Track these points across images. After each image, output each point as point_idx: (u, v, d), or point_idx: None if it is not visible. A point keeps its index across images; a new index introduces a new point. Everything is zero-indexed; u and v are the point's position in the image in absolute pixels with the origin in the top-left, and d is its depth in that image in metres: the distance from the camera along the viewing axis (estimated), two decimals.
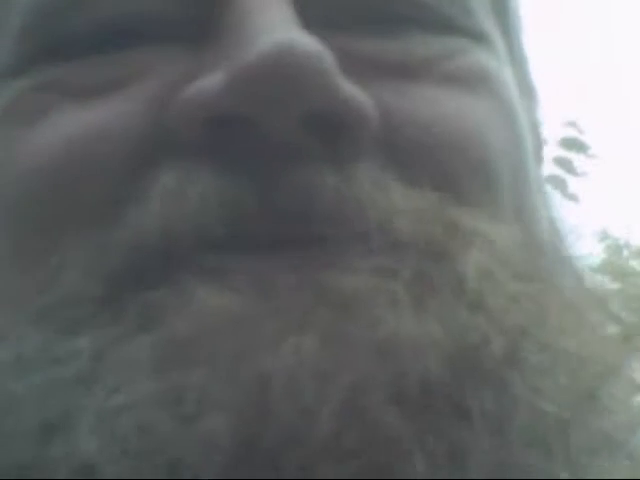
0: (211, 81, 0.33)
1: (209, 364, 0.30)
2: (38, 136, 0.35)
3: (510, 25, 0.43)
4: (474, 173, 0.35)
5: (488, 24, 0.40)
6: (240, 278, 0.31)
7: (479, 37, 0.39)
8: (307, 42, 0.32)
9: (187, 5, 0.36)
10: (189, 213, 0.32)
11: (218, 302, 0.31)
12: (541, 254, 0.36)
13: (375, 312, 0.31)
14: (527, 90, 0.43)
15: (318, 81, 0.31)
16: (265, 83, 0.31)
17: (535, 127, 0.44)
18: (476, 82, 0.37)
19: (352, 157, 0.33)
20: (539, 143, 0.45)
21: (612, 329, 0.37)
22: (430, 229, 0.33)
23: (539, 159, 0.44)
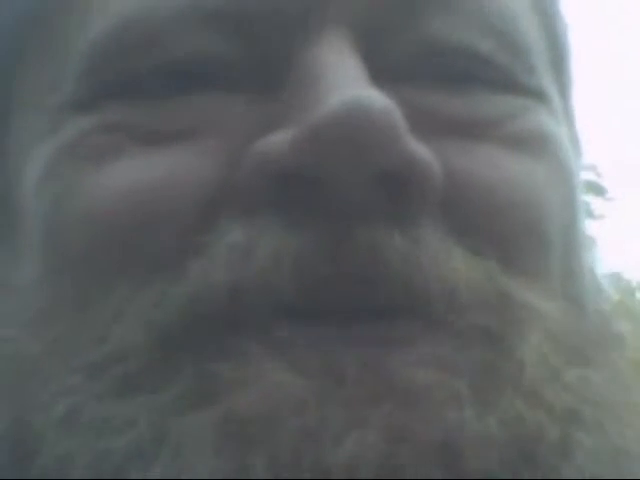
0: (281, 138, 0.32)
1: (273, 450, 0.30)
2: (104, 178, 0.34)
3: (566, 80, 0.43)
4: (531, 239, 0.35)
5: (547, 81, 0.40)
6: (308, 357, 0.31)
7: (540, 96, 0.39)
8: (377, 101, 0.31)
9: (256, 54, 0.35)
10: (258, 271, 0.31)
11: (286, 383, 0.30)
12: (588, 323, 0.36)
13: (439, 409, 0.30)
14: (577, 145, 0.43)
15: (387, 142, 0.31)
16: (334, 143, 0.31)
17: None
18: (537, 145, 0.37)
19: (416, 216, 0.33)
20: None
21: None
22: (490, 305, 0.33)
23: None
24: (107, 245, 0.34)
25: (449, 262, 0.32)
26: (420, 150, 0.32)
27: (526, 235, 0.35)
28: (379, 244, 0.32)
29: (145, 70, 0.35)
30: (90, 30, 0.37)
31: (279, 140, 0.32)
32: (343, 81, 0.33)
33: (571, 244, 0.37)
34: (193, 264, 0.32)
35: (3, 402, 0.34)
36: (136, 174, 0.34)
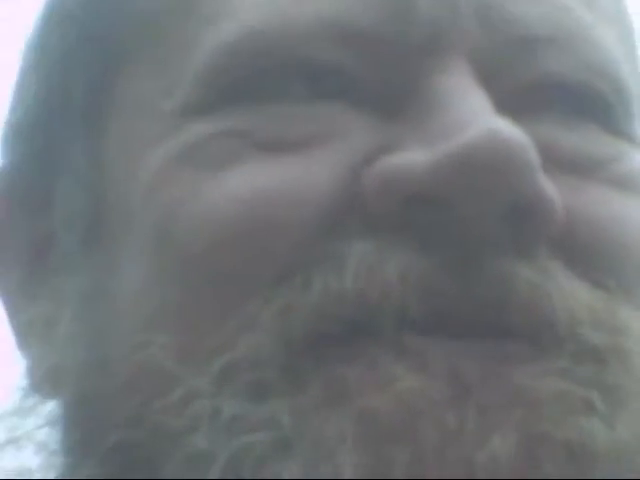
0: (415, 159, 0.32)
1: (416, 446, 0.30)
2: (226, 185, 0.34)
3: None
4: (638, 274, 0.36)
5: (638, 122, 0.41)
6: (436, 363, 0.31)
7: (635, 142, 0.40)
8: (517, 134, 0.32)
9: (380, 75, 0.36)
10: (386, 286, 0.32)
11: (419, 386, 0.31)
12: None
13: (571, 416, 0.32)
14: None
15: (525, 176, 0.32)
16: (475, 171, 0.31)
17: None
18: (637, 187, 0.38)
19: (539, 250, 0.34)
20: None
21: None
22: (610, 332, 0.34)
23: None
24: (231, 253, 0.34)
25: (574, 294, 0.33)
26: (550, 187, 0.33)
27: (634, 270, 0.36)
28: (509, 273, 0.32)
29: (271, 77, 0.35)
30: (217, 35, 0.37)
31: (412, 161, 0.32)
32: (479, 111, 0.33)
33: None
34: (319, 274, 0.33)
35: (126, 404, 0.34)
36: (258, 181, 0.34)
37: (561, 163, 0.35)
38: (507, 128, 0.32)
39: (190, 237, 0.34)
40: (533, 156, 0.32)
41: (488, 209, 0.32)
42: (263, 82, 0.35)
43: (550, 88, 0.37)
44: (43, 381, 0.38)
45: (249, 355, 0.32)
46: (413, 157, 0.32)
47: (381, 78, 0.35)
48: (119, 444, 0.34)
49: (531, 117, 0.35)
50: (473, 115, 0.33)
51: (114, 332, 0.35)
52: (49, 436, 0.38)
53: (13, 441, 0.38)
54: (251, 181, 0.34)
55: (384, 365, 0.31)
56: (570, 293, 0.33)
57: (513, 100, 0.35)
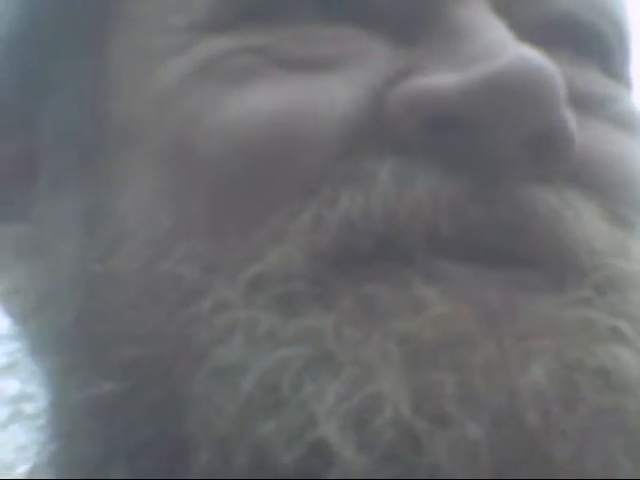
0: (446, 80, 0.32)
1: (459, 369, 0.30)
2: (248, 99, 0.34)
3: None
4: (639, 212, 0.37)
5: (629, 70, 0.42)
6: (466, 290, 0.32)
7: (629, 84, 0.41)
8: (547, 62, 0.32)
9: (399, 2, 0.36)
10: (416, 205, 0.32)
11: (453, 310, 0.31)
12: None
13: (603, 343, 0.32)
14: None
15: (553, 104, 0.32)
16: (505, 96, 0.31)
17: None
18: (633, 126, 0.38)
19: (556, 177, 0.34)
20: None
21: None
22: (631, 264, 0.34)
23: None
24: (256, 165, 0.33)
25: (593, 223, 0.34)
26: (572, 119, 0.33)
27: (637, 206, 0.36)
28: (531, 198, 0.33)
29: None
30: None
31: (445, 82, 0.32)
32: (506, 39, 0.33)
33: None
34: (347, 190, 0.32)
35: (144, 317, 0.33)
36: (281, 96, 0.34)
37: (572, 99, 0.35)
38: (537, 57, 0.32)
39: (213, 149, 0.33)
40: (562, 86, 0.32)
41: (513, 135, 0.32)
42: (282, 3, 0.35)
43: (559, 25, 0.37)
44: (37, 305, 0.36)
45: (279, 267, 0.32)
46: (443, 78, 0.32)
47: (399, 4, 0.35)
48: (136, 360, 0.33)
49: (546, 49, 0.35)
50: (502, 42, 0.33)
51: (124, 248, 0.34)
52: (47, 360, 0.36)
53: (12, 366, 0.37)
54: (274, 96, 0.33)
55: (416, 288, 0.31)
56: (589, 221, 0.34)
57: (525, 35, 0.35)
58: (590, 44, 0.38)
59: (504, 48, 0.32)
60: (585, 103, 0.37)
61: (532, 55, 0.32)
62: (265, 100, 0.33)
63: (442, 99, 0.32)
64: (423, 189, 0.32)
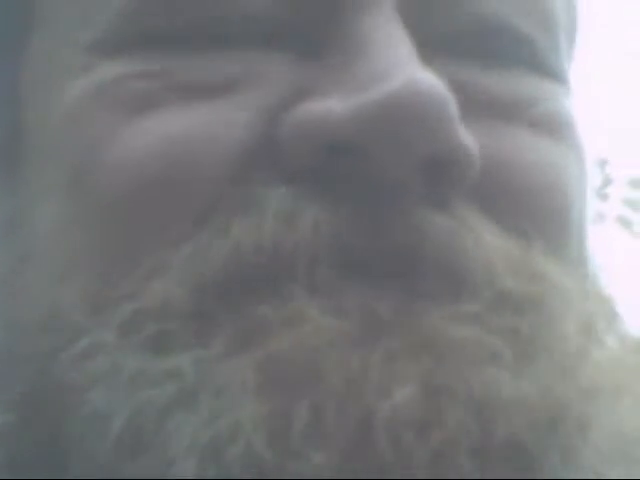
0: (335, 106, 0.32)
1: (317, 394, 0.30)
2: (144, 128, 0.34)
3: (574, 50, 0.44)
4: (556, 221, 0.36)
5: (566, 59, 0.40)
6: (349, 302, 0.31)
7: (563, 80, 0.40)
8: (437, 85, 0.32)
9: (302, 16, 0.35)
10: (302, 237, 0.32)
11: (328, 324, 0.31)
12: (605, 304, 0.37)
13: (476, 367, 0.31)
14: None
15: (445, 127, 0.32)
16: (395, 121, 0.32)
17: None
18: (563, 130, 0.38)
19: (456, 199, 0.34)
20: None
21: None
22: (525, 282, 0.34)
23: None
24: (146, 196, 0.33)
25: (491, 241, 0.33)
26: (468, 138, 0.33)
27: (552, 218, 0.36)
28: (422, 221, 0.33)
29: (186, 19, 0.35)
30: None
31: (332, 108, 0.32)
32: (401, 59, 0.33)
33: (583, 229, 0.38)
34: (237, 220, 0.32)
35: (29, 354, 0.33)
36: (173, 127, 0.34)
37: (482, 106, 0.35)
38: (428, 80, 0.32)
39: (105, 182, 0.34)
40: (452, 109, 0.32)
41: (405, 160, 0.32)
42: (179, 26, 0.35)
43: (476, 29, 0.37)
44: None
45: (156, 303, 0.32)
46: (332, 104, 0.32)
47: (302, 20, 0.35)
48: (27, 390, 0.33)
49: (454, 59, 0.35)
50: (395, 64, 0.33)
51: (28, 270, 0.35)
52: None
53: None
54: (166, 126, 0.34)
55: (296, 304, 0.31)
56: (486, 241, 0.33)
57: (437, 40, 0.35)
58: (507, 44, 0.37)
59: (395, 71, 0.32)
60: (501, 109, 0.36)
61: (421, 78, 0.32)
62: (157, 131, 0.34)
63: (332, 126, 0.32)
64: (307, 219, 0.32)
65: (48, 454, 0.33)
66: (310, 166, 0.33)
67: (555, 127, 0.38)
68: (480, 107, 0.35)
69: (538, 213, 0.36)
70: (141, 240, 0.33)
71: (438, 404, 0.30)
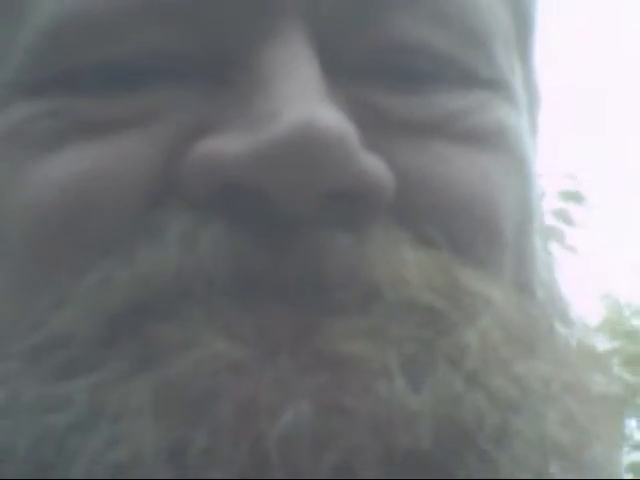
0: (230, 145, 0.32)
1: (212, 419, 0.30)
2: (47, 168, 0.34)
3: (529, 48, 0.42)
4: (483, 233, 0.35)
5: (509, 65, 0.38)
6: (243, 323, 0.31)
7: (499, 86, 0.38)
8: (331, 122, 0.31)
9: (208, 49, 0.35)
10: (199, 259, 0.32)
11: (222, 347, 0.30)
12: (541, 317, 0.36)
13: (368, 380, 0.31)
14: (535, 129, 0.42)
15: (340, 164, 0.31)
16: (285, 162, 0.31)
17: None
18: (494, 140, 0.36)
19: (365, 221, 0.33)
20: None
21: (613, 389, 0.37)
22: (436, 292, 0.33)
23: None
24: (48, 232, 0.33)
25: (397, 253, 0.33)
26: (373, 165, 0.32)
27: (478, 230, 0.35)
28: (323, 242, 0.32)
29: (92, 62, 0.35)
30: (38, 13, 0.36)
31: (227, 147, 0.32)
32: (297, 92, 0.32)
33: (525, 238, 0.37)
34: (139, 250, 0.32)
35: None
36: (75, 165, 0.34)
37: (401, 127, 0.34)
38: (320, 117, 0.31)
39: (10, 219, 0.34)
40: (350, 143, 0.31)
41: (300, 198, 0.31)
42: (81, 68, 0.34)
43: (394, 52, 0.35)
44: None
45: (60, 332, 0.32)
46: (227, 143, 0.32)
47: (209, 55, 0.34)
48: None
49: (368, 81, 0.34)
50: (288, 100, 0.32)
51: None
52: None
53: None
54: (69, 164, 0.34)
55: (191, 327, 0.31)
56: (397, 255, 0.32)
57: (353, 65, 0.34)
58: (426, 64, 0.35)
59: (288, 109, 0.31)
60: (420, 125, 0.35)
61: (312, 117, 0.31)
62: (59, 171, 0.34)
63: (227, 166, 0.32)
64: (205, 241, 0.32)
65: None
66: (209, 199, 0.33)
67: (483, 138, 0.36)
68: (395, 127, 0.34)
69: (461, 225, 0.34)
70: (46, 273, 0.33)
71: (330, 422, 0.30)
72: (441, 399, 0.30)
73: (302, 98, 0.32)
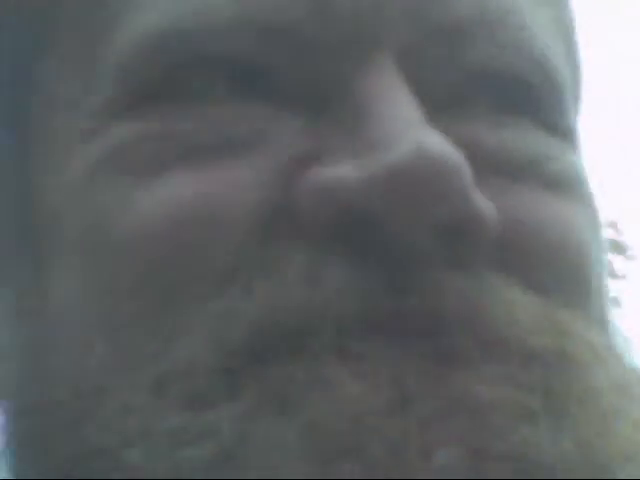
0: (348, 174, 0.32)
1: (362, 461, 0.30)
2: (154, 195, 0.33)
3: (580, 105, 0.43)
4: (574, 278, 0.36)
5: (573, 117, 0.40)
6: (377, 367, 0.31)
7: (570, 136, 0.39)
8: (448, 150, 0.31)
9: (306, 73, 0.35)
10: (325, 299, 0.32)
11: (361, 391, 0.31)
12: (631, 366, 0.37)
13: (513, 426, 0.31)
14: None
15: (458, 195, 0.32)
16: (406, 189, 0.31)
17: None
18: (573, 188, 0.37)
19: (473, 261, 0.33)
20: None
21: None
22: (555, 337, 0.33)
23: None
24: (166, 263, 0.33)
25: (514, 301, 0.33)
26: (483, 204, 0.33)
27: (571, 275, 0.35)
28: (442, 283, 0.32)
29: (192, 75, 0.34)
30: (132, 28, 0.35)
31: (344, 175, 0.32)
32: (408, 122, 0.32)
33: (603, 285, 0.38)
34: (259, 282, 0.32)
35: (64, 419, 0.33)
36: (186, 192, 0.33)
37: (492, 164, 0.34)
38: (438, 144, 0.31)
39: (122, 249, 0.33)
40: (466, 175, 0.31)
41: (418, 227, 0.31)
42: (184, 80, 0.34)
43: (480, 80, 0.36)
44: None
45: (183, 363, 0.32)
46: (345, 171, 0.32)
47: (307, 78, 0.35)
48: (60, 459, 0.33)
49: (461, 113, 0.35)
50: (404, 127, 0.32)
51: (51, 346, 0.35)
52: None
53: None
54: (179, 191, 0.33)
55: (326, 369, 0.31)
56: (509, 300, 0.33)
57: (443, 96, 0.35)
58: (516, 95, 0.37)
59: (401, 135, 0.31)
60: (511, 167, 0.36)
61: (430, 144, 0.31)
62: (169, 196, 0.33)
63: (347, 194, 0.32)
64: (331, 281, 0.32)
65: None
66: (329, 229, 0.32)
67: (566, 185, 0.37)
68: (490, 165, 0.35)
69: (556, 270, 0.35)
70: (161, 304, 0.32)
71: (482, 465, 0.30)
72: (580, 445, 0.31)
73: (413, 126, 0.32)
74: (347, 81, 0.34)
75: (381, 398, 0.30)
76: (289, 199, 0.33)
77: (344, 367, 0.31)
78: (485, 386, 0.31)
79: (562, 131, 0.38)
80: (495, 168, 0.35)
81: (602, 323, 0.37)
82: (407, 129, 0.32)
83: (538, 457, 0.31)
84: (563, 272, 0.35)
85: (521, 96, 0.37)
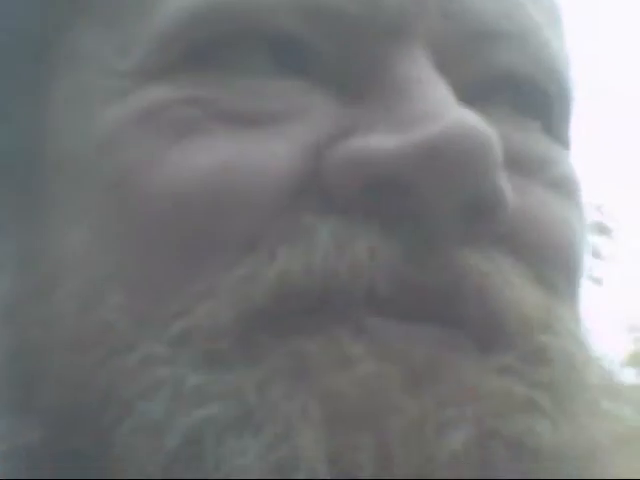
0: (385, 142, 0.33)
1: (379, 432, 0.31)
2: (190, 154, 0.34)
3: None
4: (570, 276, 0.38)
5: (569, 125, 0.43)
6: (393, 347, 0.32)
7: (568, 144, 0.41)
8: (485, 127, 0.32)
9: (345, 54, 0.36)
10: (357, 266, 0.32)
11: (378, 368, 0.32)
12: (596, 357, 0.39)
13: (520, 414, 0.33)
14: None
15: (490, 170, 0.33)
16: (443, 159, 0.32)
17: None
18: (571, 191, 0.39)
19: (491, 243, 0.35)
20: None
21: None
22: (557, 334, 0.35)
23: None
24: (194, 222, 0.34)
25: (518, 285, 0.35)
26: (507, 187, 0.34)
27: (569, 272, 0.38)
28: (465, 262, 0.34)
29: (235, 46, 0.35)
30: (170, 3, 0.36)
31: (383, 144, 0.33)
32: (447, 101, 0.34)
33: (580, 284, 0.40)
34: (285, 247, 0.33)
35: (74, 364, 0.34)
36: (221, 154, 0.34)
37: (509, 161, 0.35)
38: (476, 121, 0.32)
39: (151, 204, 0.34)
40: (498, 153, 0.33)
41: (448, 199, 0.32)
42: (227, 51, 0.35)
43: (501, 81, 0.38)
44: None
45: (206, 322, 0.32)
46: (382, 140, 0.33)
47: (346, 58, 0.36)
48: (64, 406, 0.34)
49: (483, 110, 0.35)
50: (442, 105, 0.33)
51: (60, 290, 0.35)
52: None
53: None
54: (214, 153, 0.34)
55: (344, 344, 0.32)
56: (518, 285, 0.35)
57: (467, 92, 0.36)
58: (532, 101, 0.39)
59: (442, 111, 0.33)
60: (524, 166, 0.37)
61: (470, 119, 0.32)
62: (202, 157, 0.34)
63: (380, 162, 0.33)
64: (362, 248, 0.32)
65: (89, 470, 0.33)
66: (358, 198, 0.33)
67: (566, 188, 0.39)
68: (508, 159, 0.35)
69: (558, 267, 0.37)
70: (187, 262, 0.33)
71: (490, 448, 0.31)
72: (575, 435, 0.33)
73: (453, 104, 0.33)
74: (384, 64, 0.35)
75: (395, 377, 0.31)
76: (320, 170, 0.34)
77: (361, 343, 0.32)
78: (489, 377, 0.32)
79: (564, 138, 0.41)
80: (513, 164, 0.36)
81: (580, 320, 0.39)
82: (448, 107, 0.33)
83: (539, 444, 0.32)
84: (562, 270, 0.37)
85: (538, 102, 0.39)
